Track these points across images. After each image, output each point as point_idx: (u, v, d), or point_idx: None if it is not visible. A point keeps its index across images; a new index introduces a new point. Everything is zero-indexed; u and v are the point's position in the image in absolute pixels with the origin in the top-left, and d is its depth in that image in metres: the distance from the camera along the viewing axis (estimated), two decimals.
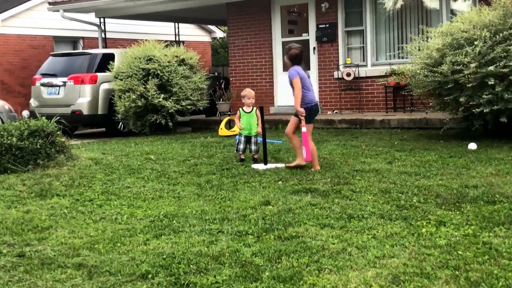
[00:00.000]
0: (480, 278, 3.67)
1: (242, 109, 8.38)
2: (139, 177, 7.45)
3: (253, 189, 6.45)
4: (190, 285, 3.79)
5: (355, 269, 3.91)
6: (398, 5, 12.85)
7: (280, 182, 6.71)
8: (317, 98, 12.83)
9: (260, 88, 14.12)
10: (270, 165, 7.71)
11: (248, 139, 8.26)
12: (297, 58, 7.42)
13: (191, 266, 4.09)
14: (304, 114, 7.30)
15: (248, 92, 8.41)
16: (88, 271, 4.14)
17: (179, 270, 4.02)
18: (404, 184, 6.28)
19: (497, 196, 5.58)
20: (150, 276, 3.97)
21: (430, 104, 10.26)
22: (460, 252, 4.12)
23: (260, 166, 7.70)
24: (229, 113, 13.31)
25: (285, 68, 13.80)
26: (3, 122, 9.98)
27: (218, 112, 13.96)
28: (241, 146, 8.28)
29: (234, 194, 6.25)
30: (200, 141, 10.75)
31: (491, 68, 8.46)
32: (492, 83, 8.47)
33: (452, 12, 11.82)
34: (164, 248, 4.53)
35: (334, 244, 4.42)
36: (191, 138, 11.41)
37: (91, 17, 16.83)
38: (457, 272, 3.77)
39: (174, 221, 5.27)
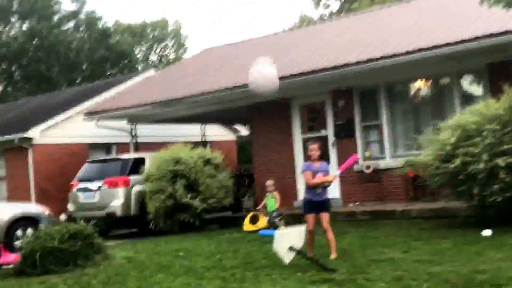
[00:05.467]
0: None
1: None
2: (168, 273, 7.87)
3: (274, 280, 6.79)
4: None
5: None
6: (413, 98, 13.45)
7: (299, 273, 7.04)
8: (339, 191, 13.45)
9: (283, 184, 14.50)
10: (289, 229, 8.15)
11: None
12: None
13: None
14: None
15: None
16: None
17: None
18: (416, 272, 6.55)
19: (503, 279, 5.85)
20: None
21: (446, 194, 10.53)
22: None
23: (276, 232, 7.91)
24: (253, 209, 13.72)
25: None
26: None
27: (243, 208, 14.42)
28: None
29: (256, 286, 6.61)
30: (226, 237, 11.20)
31: (499, 161, 8.85)
32: (503, 176, 8.80)
33: (466, 101, 12.18)
34: None
35: None
36: (217, 235, 11.85)
37: (123, 123, 17.83)
38: None
39: None
